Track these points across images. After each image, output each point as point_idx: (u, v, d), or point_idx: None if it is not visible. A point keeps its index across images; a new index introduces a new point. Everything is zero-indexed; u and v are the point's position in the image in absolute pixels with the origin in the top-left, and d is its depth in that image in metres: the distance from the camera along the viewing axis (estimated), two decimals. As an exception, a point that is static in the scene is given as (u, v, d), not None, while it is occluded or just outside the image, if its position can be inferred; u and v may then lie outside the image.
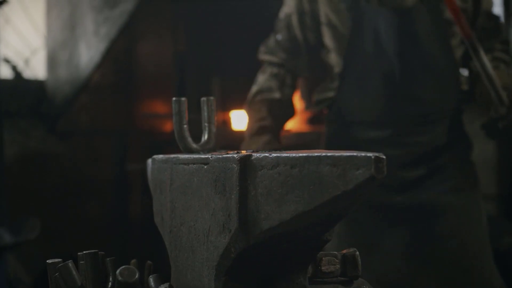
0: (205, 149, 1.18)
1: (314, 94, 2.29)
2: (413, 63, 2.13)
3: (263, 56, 2.32)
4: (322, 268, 1.07)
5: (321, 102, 2.26)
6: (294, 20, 2.25)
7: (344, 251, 1.10)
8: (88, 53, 4.37)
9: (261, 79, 2.28)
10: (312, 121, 3.98)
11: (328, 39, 2.19)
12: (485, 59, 2.02)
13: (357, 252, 1.10)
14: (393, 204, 2.15)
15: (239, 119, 4.76)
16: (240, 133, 4.72)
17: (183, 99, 1.17)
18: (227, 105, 4.70)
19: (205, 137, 1.19)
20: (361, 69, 2.15)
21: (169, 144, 4.82)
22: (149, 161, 1.27)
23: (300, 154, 0.85)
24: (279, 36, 2.27)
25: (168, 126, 5.07)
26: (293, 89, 2.30)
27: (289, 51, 2.26)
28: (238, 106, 4.79)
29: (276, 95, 2.24)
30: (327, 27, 2.18)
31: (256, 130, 2.16)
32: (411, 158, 2.16)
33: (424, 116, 2.15)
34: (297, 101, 2.43)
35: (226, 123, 4.73)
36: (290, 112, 2.29)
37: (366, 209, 2.12)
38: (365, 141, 2.16)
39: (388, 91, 2.13)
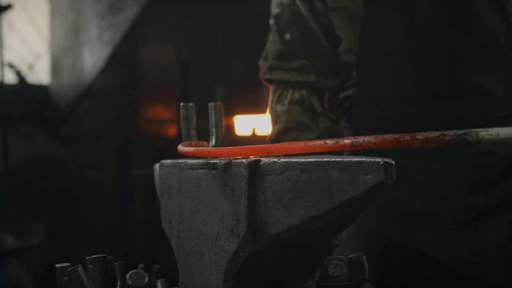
0: (212, 154, 1.18)
1: (330, 96, 1.73)
2: (462, 41, 1.46)
3: (269, 74, 1.70)
4: (329, 272, 1.07)
5: (339, 104, 1.70)
6: (301, 6, 1.65)
7: (351, 256, 1.10)
8: (92, 58, 4.38)
9: (281, 111, 1.67)
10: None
11: (339, 27, 1.62)
12: None
13: (364, 257, 1.10)
14: (441, 247, 1.53)
15: (242, 124, 4.77)
16: (243, 138, 4.73)
17: (190, 104, 1.18)
18: (230, 110, 4.71)
19: (212, 142, 1.19)
20: (384, 54, 1.54)
21: (172, 149, 4.83)
22: (157, 166, 1.27)
23: (309, 159, 0.86)
24: (288, 35, 1.66)
25: (171, 131, 5.08)
26: (327, 118, 1.70)
27: (307, 52, 1.66)
28: (241, 111, 4.80)
29: (314, 133, 1.64)
30: (335, 12, 1.61)
31: None
32: (468, 178, 1.51)
33: (484, 115, 1.48)
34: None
35: (230, 128, 4.73)
36: None
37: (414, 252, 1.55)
38: (397, 154, 1.40)
39: (425, 81, 1.49)
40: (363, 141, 0.89)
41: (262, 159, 0.94)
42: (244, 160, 0.95)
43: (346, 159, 0.81)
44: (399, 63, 1.52)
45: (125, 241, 4.85)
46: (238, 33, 4.84)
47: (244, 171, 0.94)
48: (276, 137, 1.67)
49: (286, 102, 1.67)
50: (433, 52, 1.48)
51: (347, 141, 0.89)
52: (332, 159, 0.83)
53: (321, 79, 1.67)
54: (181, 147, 1.08)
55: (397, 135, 0.92)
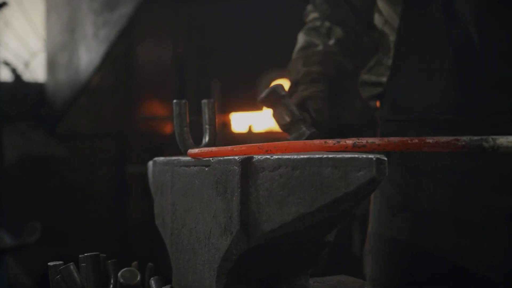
0: (206, 151, 1.18)
1: (361, 74, 1.70)
2: (500, 35, 1.43)
3: (305, 18, 1.77)
4: None
5: (371, 87, 1.66)
6: None
7: None
8: (88, 56, 4.37)
9: (301, 36, 1.72)
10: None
11: None
12: None
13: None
14: (464, 249, 1.44)
15: (238, 122, 4.77)
16: (239, 135, 4.73)
17: (184, 101, 1.17)
18: (226, 107, 4.71)
19: (206, 139, 1.19)
20: (424, 45, 1.51)
21: (169, 146, 4.83)
22: (150, 163, 1.27)
23: (302, 156, 0.85)
24: None
25: (167, 128, 5.07)
26: (343, 45, 1.68)
27: (339, 7, 1.68)
28: (237, 108, 4.80)
29: (319, 47, 1.66)
30: None
31: (302, 76, 1.56)
32: (497, 176, 1.43)
33: None
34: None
35: (226, 125, 4.73)
36: (341, 67, 1.65)
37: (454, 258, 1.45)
38: None
39: (463, 74, 1.45)
40: (367, 142, 0.84)
41: (254, 156, 0.93)
42: (236, 157, 0.94)
43: (338, 156, 0.81)
44: (434, 53, 1.49)
45: (123, 239, 4.85)
46: (234, 31, 4.84)
47: (236, 168, 0.94)
48: (292, 62, 1.66)
49: (305, 29, 1.72)
50: (470, 44, 1.43)
51: (349, 141, 0.85)
52: (325, 156, 0.82)
53: (349, 19, 1.68)
54: (189, 151, 1.08)
55: (404, 138, 0.86)
